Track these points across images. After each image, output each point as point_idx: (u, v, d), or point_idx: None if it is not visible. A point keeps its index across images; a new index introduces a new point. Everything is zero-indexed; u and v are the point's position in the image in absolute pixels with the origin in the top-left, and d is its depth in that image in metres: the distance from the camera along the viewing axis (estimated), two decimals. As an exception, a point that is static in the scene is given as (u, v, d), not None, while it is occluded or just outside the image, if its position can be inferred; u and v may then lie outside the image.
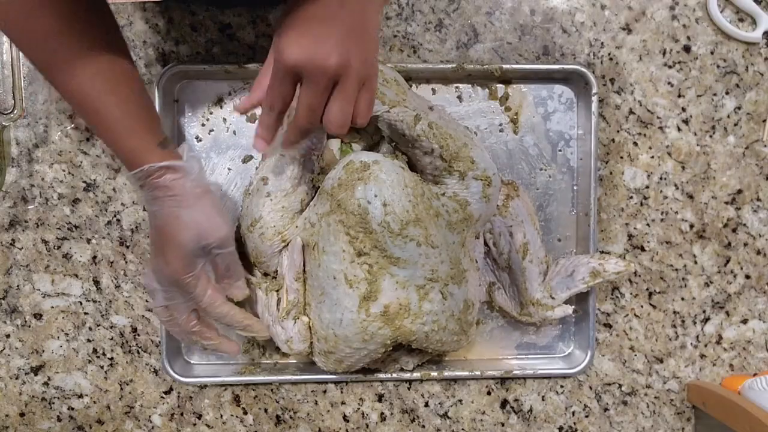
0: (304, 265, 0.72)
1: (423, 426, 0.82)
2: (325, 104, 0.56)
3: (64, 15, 0.55)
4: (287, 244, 0.72)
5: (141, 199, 0.77)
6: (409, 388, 0.82)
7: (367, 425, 0.82)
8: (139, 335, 0.80)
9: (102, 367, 0.80)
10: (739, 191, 0.82)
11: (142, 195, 0.64)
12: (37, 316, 0.79)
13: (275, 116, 0.59)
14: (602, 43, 0.80)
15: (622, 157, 0.81)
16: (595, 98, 0.77)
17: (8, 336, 0.79)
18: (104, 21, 0.60)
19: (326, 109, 0.56)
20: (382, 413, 0.82)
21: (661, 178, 0.81)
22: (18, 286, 0.79)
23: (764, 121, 0.82)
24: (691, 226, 0.82)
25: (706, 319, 0.83)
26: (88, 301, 0.79)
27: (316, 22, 0.52)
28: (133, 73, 0.62)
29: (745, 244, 0.82)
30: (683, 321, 0.82)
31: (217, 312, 0.68)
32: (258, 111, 0.78)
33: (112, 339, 0.80)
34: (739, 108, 0.81)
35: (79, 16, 0.56)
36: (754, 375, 0.82)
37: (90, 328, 0.79)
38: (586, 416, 0.83)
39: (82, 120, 0.75)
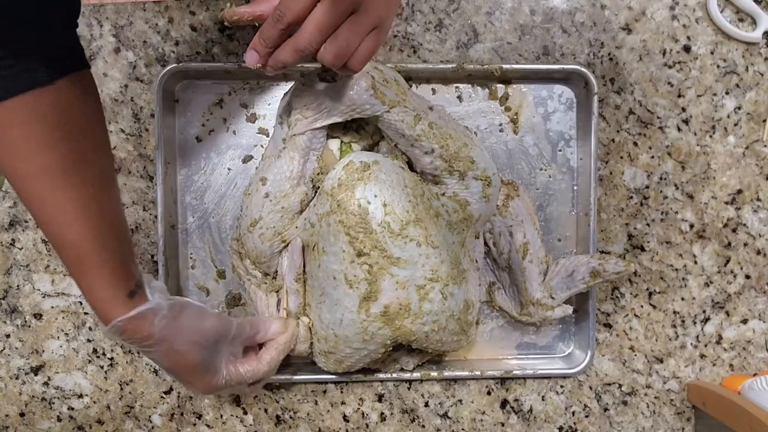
0: (304, 266, 0.72)
1: (423, 426, 0.82)
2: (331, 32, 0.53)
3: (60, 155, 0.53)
4: (287, 245, 0.72)
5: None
6: (409, 388, 0.82)
7: (367, 425, 0.82)
8: (139, 335, 0.80)
9: (102, 367, 0.80)
10: (739, 191, 0.82)
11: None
12: (37, 316, 0.79)
13: (281, 29, 0.54)
14: (602, 43, 0.80)
15: (622, 157, 0.81)
16: (595, 98, 0.77)
17: (8, 336, 0.79)
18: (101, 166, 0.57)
19: (331, 35, 0.53)
20: (382, 413, 0.82)
21: (661, 178, 0.81)
22: (18, 286, 0.79)
23: (764, 121, 0.82)
24: (691, 226, 0.82)
25: (706, 319, 0.83)
26: (88, 301, 0.79)
27: None
28: (117, 206, 0.60)
29: (745, 244, 0.82)
30: (683, 321, 0.83)
31: (250, 384, 0.70)
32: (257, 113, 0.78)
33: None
34: (739, 108, 0.81)
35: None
36: (754, 375, 0.82)
37: (90, 328, 0.79)
38: (586, 416, 0.83)
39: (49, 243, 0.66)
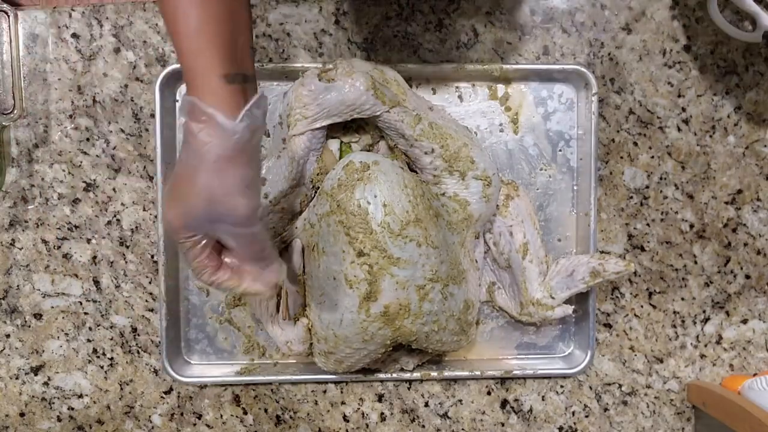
0: (303, 267, 0.72)
1: (423, 426, 0.82)
2: None
3: None
4: (287, 245, 0.72)
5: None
6: (409, 388, 0.82)
7: (367, 425, 0.82)
8: (139, 335, 0.80)
9: (102, 367, 0.80)
10: (739, 191, 0.82)
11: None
12: (37, 316, 0.79)
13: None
14: (602, 43, 0.80)
15: (622, 157, 0.81)
16: (595, 98, 0.77)
17: (8, 336, 0.79)
18: None
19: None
20: (382, 413, 0.82)
21: (661, 178, 0.81)
22: (18, 286, 0.79)
23: (764, 121, 0.81)
24: (691, 226, 0.82)
25: (706, 319, 0.83)
26: (88, 301, 0.79)
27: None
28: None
29: (745, 244, 0.82)
30: (683, 321, 0.83)
31: (201, 280, 0.60)
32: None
33: (112, 339, 0.80)
34: (739, 108, 0.81)
35: None
36: (754, 375, 0.82)
37: (90, 328, 0.79)
38: (586, 416, 0.83)
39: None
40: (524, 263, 0.76)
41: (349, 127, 0.73)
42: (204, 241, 0.57)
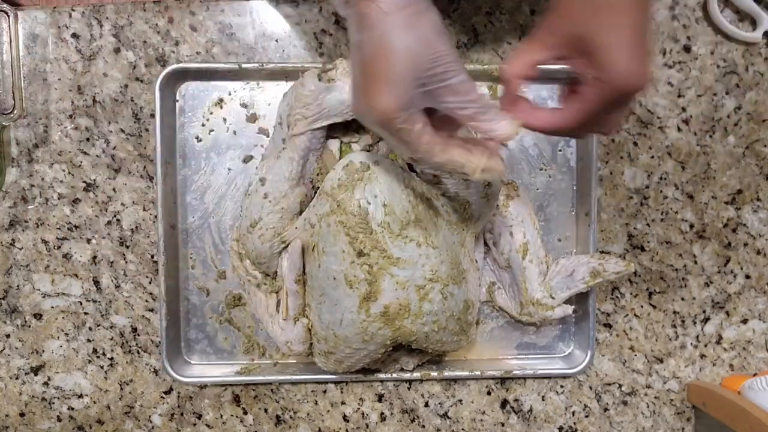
0: (303, 267, 0.72)
1: (423, 426, 0.82)
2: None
3: None
4: (287, 245, 0.72)
5: (348, 31, 0.56)
6: (409, 388, 0.82)
7: (367, 425, 0.82)
8: (139, 335, 0.80)
9: (102, 367, 0.80)
10: (739, 191, 0.82)
11: (348, 24, 0.52)
12: (37, 316, 0.79)
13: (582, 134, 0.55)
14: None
15: (622, 157, 0.81)
16: (595, 98, 0.77)
17: (8, 336, 0.79)
18: None
19: (609, 119, 0.53)
20: (382, 413, 0.82)
21: (661, 178, 0.81)
22: (18, 286, 0.79)
23: (764, 121, 0.82)
24: (691, 226, 0.82)
25: (706, 319, 0.83)
26: (88, 301, 0.79)
27: (645, 39, 0.49)
28: None
29: (745, 244, 0.82)
30: (683, 321, 0.83)
31: (435, 162, 0.55)
32: (260, 117, 0.78)
33: (112, 339, 0.80)
34: (739, 108, 0.81)
35: None
36: (754, 375, 0.82)
37: (90, 328, 0.79)
38: (586, 416, 0.83)
39: None
40: (524, 263, 0.76)
41: (349, 127, 0.72)
42: (424, 117, 0.52)
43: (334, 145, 0.72)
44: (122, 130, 0.78)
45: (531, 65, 0.55)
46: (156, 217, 0.76)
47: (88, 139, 0.78)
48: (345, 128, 0.72)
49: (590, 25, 0.50)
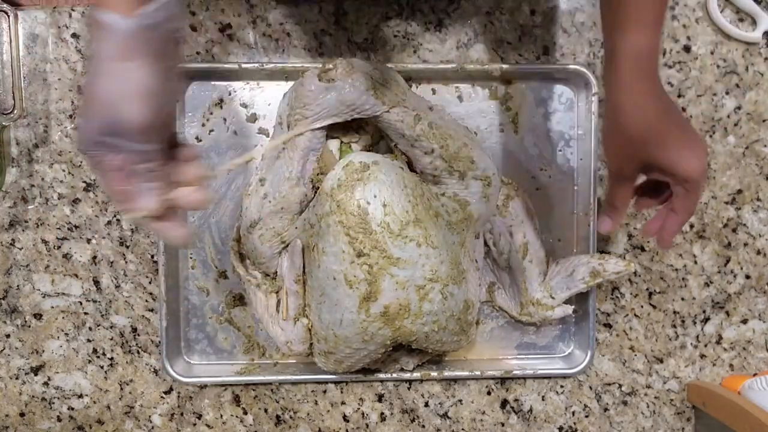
0: (303, 267, 0.72)
1: (423, 426, 0.82)
2: None
3: None
4: (287, 246, 0.72)
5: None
6: (409, 388, 0.82)
7: (367, 425, 0.82)
8: (139, 335, 0.80)
9: (102, 367, 0.80)
10: (739, 191, 0.82)
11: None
12: (37, 316, 0.79)
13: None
14: (602, 43, 0.80)
15: (622, 157, 0.81)
16: (595, 98, 0.77)
17: (8, 336, 0.79)
18: None
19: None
20: (382, 413, 0.82)
21: (661, 178, 0.81)
22: (18, 286, 0.79)
23: (764, 121, 0.82)
24: (691, 226, 0.82)
25: (706, 319, 0.83)
26: (88, 301, 0.79)
27: (695, 137, 0.61)
28: None
29: (745, 244, 0.82)
30: (683, 321, 0.83)
31: (116, 200, 0.53)
32: (260, 114, 0.78)
33: (112, 339, 0.80)
34: (739, 108, 0.81)
35: None
36: (754, 375, 0.82)
37: (90, 328, 0.79)
38: (586, 416, 0.83)
39: None
40: (524, 263, 0.76)
41: (349, 127, 0.72)
42: (114, 160, 0.50)
43: (333, 145, 0.72)
44: (122, 130, 0.78)
45: (625, 201, 0.67)
46: (156, 217, 0.76)
47: (88, 139, 0.78)
48: (345, 128, 0.72)
49: (657, 155, 0.60)
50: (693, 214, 0.64)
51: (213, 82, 0.78)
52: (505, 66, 0.77)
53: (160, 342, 0.78)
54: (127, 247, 0.79)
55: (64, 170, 0.78)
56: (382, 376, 0.79)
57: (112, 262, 0.79)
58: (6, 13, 0.75)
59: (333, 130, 0.72)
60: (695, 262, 0.82)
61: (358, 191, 0.66)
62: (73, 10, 0.77)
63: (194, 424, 0.81)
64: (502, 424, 0.83)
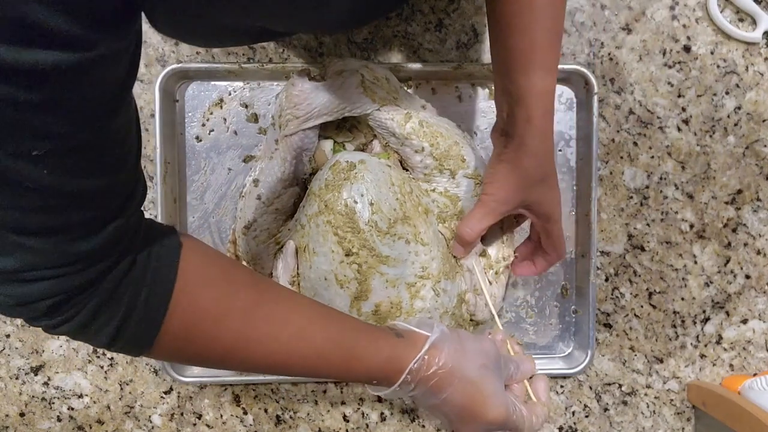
0: (297, 267, 0.72)
1: (423, 426, 0.82)
2: None
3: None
4: (281, 247, 0.72)
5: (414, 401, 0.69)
6: (409, 388, 0.82)
7: (367, 425, 0.82)
8: (139, 335, 0.80)
9: (102, 367, 0.80)
10: (739, 191, 0.82)
11: (413, 397, 0.57)
12: (38, 316, 0.79)
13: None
14: (602, 43, 0.80)
15: (622, 157, 0.81)
16: (595, 98, 0.77)
17: (8, 336, 0.79)
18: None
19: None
20: (382, 413, 0.82)
21: (661, 178, 0.81)
22: (18, 286, 0.79)
23: (764, 121, 0.81)
24: (691, 226, 0.82)
25: (706, 319, 0.83)
26: (88, 301, 0.79)
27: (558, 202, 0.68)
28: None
29: (745, 244, 0.82)
30: (683, 321, 0.82)
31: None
32: (259, 112, 0.78)
33: (112, 339, 0.80)
34: (739, 108, 0.81)
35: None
36: (754, 375, 0.82)
37: (90, 328, 0.79)
38: (586, 416, 0.83)
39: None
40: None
41: (343, 127, 0.73)
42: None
43: (327, 145, 0.72)
44: (122, 130, 0.78)
45: (484, 231, 0.69)
46: (156, 217, 0.76)
47: (88, 139, 0.78)
48: (338, 128, 0.72)
49: (542, 192, 0.64)
50: (563, 255, 0.69)
51: (213, 82, 0.78)
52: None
53: (160, 342, 0.78)
54: (127, 247, 0.79)
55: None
56: (381, 376, 0.79)
57: (112, 262, 0.79)
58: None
59: (326, 130, 0.72)
60: (695, 262, 0.82)
61: (345, 191, 0.66)
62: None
63: (194, 424, 0.81)
64: (502, 424, 0.83)
